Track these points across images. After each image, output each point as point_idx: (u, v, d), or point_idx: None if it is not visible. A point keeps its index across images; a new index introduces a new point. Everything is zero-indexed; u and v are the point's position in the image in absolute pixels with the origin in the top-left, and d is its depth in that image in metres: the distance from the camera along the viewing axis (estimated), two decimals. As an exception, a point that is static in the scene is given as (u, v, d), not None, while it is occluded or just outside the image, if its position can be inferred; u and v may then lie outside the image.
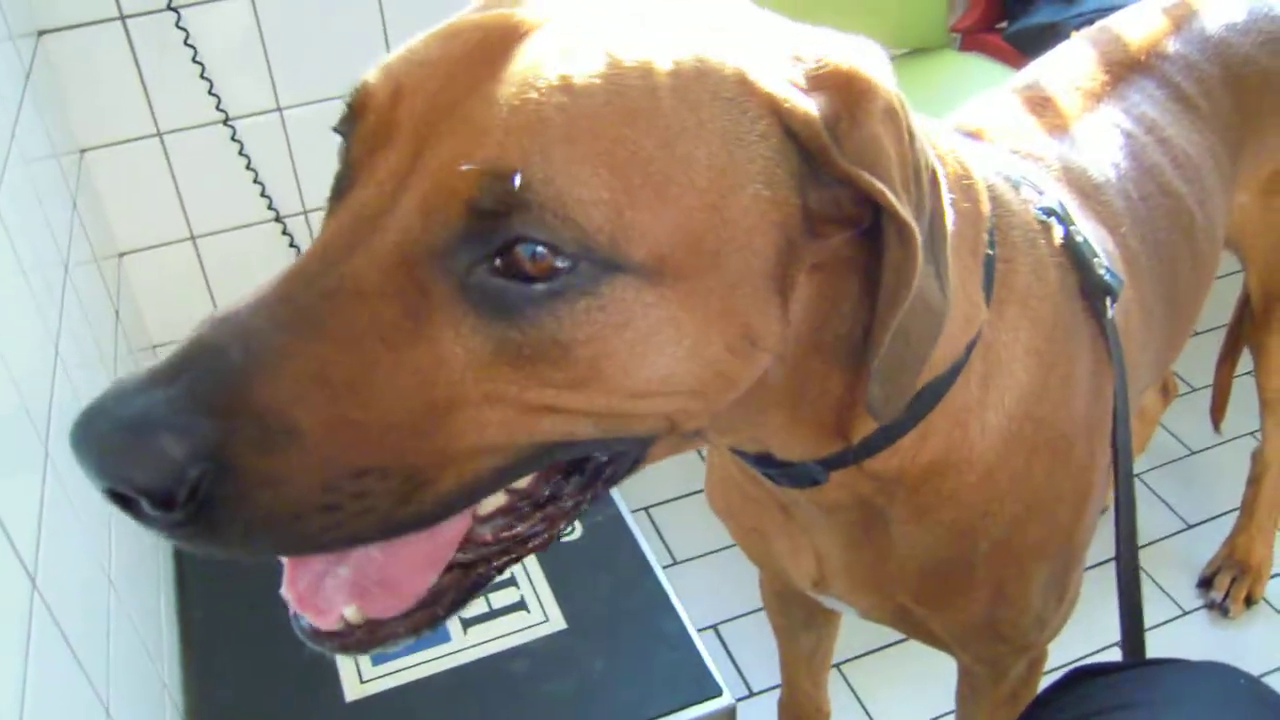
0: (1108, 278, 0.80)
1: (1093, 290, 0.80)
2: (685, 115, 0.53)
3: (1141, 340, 0.93)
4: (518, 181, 0.50)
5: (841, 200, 0.57)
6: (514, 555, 0.63)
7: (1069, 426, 0.80)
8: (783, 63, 0.57)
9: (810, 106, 0.55)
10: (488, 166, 0.50)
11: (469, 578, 0.62)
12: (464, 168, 0.51)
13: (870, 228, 0.59)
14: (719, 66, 0.55)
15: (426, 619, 0.61)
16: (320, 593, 0.59)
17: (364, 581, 0.59)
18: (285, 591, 0.60)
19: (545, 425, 0.55)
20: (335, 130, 0.59)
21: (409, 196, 0.52)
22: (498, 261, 0.52)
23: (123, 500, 0.49)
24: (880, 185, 0.55)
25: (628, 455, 0.62)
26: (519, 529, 0.62)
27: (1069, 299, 0.79)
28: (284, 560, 0.60)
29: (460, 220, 0.51)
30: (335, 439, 0.50)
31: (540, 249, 0.51)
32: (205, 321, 0.51)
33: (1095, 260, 0.80)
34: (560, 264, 0.51)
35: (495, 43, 0.55)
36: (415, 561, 0.59)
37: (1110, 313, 0.81)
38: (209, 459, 0.48)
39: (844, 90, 0.56)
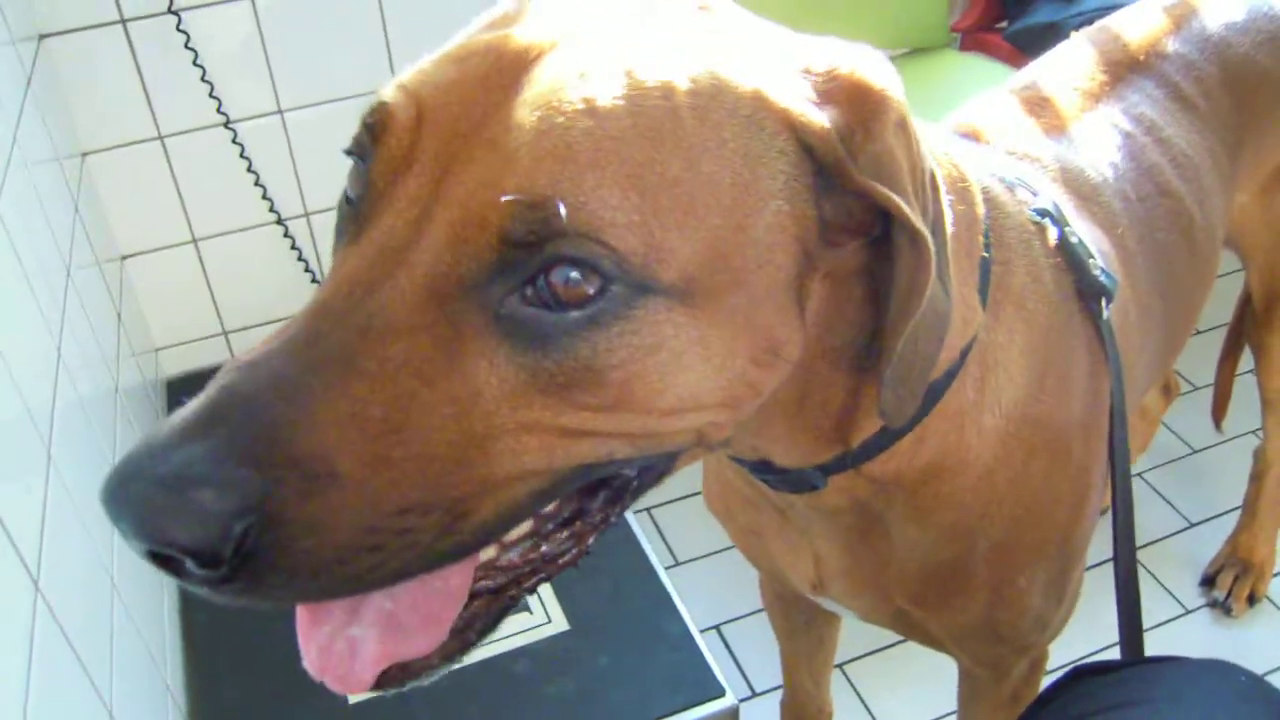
0: (1103, 279, 0.80)
1: (1088, 291, 0.80)
2: (707, 135, 0.53)
3: (1139, 342, 0.92)
4: (555, 209, 0.49)
5: (853, 209, 0.58)
6: (544, 574, 0.62)
7: (1066, 428, 0.80)
8: (793, 76, 0.57)
9: (825, 121, 0.56)
10: (520, 195, 0.50)
11: (499, 601, 0.61)
12: (503, 199, 0.50)
13: (877, 234, 0.59)
14: (735, 85, 0.55)
15: (458, 647, 0.60)
16: (335, 656, 0.57)
17: (384, 632, 0.57)
18: (305, 664, 0.58)
19: (582, 448, 0.55)
20: (348, 152, 0.58)
21: (435, 227, 0.51)
22: (529, 290, 0.51)
23: (162, 560, 0.47)
24: (896, 199, 0.56)
25: (655, 469, 0.62)
26: (545, 548, 0.61)
27: (1064, 300, 0.80)
28: (298, 628, 0.59)
29: (492, 251, 0.51)
30: (376, 479, 0.49)
31: (574, 275, 0.50)
32: (231, 368, 0.50)
33: (1091, 261, 0.80)
34: (592, 289, 0.51)
35: (509, 66, 0.54)
36: (435, 599, 0.58)
37: (1106, 314, 0.81)
38: (254, 512, 0.46)
39: (857, 103, 0.56)
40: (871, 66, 0.58)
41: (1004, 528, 0.80)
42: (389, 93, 0.56)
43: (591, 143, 0.51)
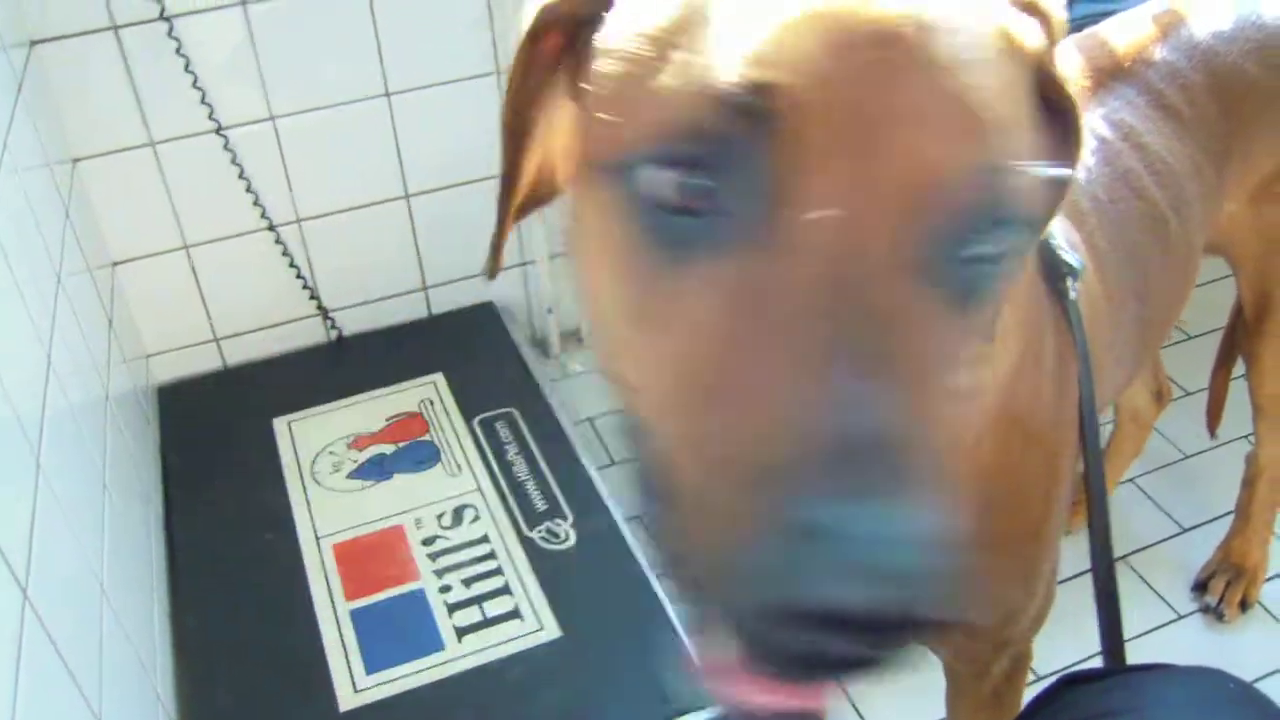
0: (1067, 258, 0.81)
1: (1053, 271, 0.81)
2: (1008, 81, 0.53)
3: (1109, 337, 0.93)
4: (1012, 175, 0.49)
5: None
6: None
7: (1039, 410, 0.80)
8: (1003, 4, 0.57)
9: (1047, 47, 0.57)
10: (978, 166, 0.49)
11: None
12: (968, 172, 0.48)
13: None
14: (987, 23, 0.53)
15: None
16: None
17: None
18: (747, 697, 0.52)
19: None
20: (678, 156, 0.49)
21: (881, 211, 0.48)
22: (969, 255, 0.50)
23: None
24: (1083, 116, 0.59)
25: None
26: None
27: (1035, 278, 0.80)
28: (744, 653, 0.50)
29: (953, 224, 0.49)
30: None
31: (1010, 232, 0.50)
32: (818, 406, 0.44)
33: (1055, 243, 0.81)
34: (1014, 242, 0.51)
35: (856, 31, 0.49)
36: None
37: (1073, 294, 0.81)
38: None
39: (1047, 26, 0.58)
40: None
41: (979, 511, 0.80)
42: (766, 73, 0.48)
43: (998, 103, 0.50)
